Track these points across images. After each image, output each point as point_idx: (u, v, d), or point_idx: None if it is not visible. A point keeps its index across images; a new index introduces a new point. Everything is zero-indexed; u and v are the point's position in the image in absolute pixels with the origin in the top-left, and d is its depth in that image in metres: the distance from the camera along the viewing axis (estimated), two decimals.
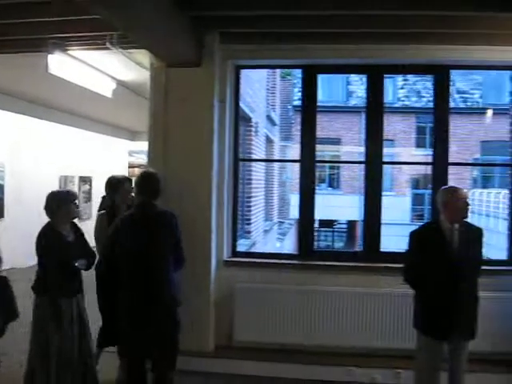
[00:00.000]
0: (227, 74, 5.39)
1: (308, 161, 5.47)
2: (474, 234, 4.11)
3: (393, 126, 22.03)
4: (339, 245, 22.31)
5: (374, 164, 5.40)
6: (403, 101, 22.71)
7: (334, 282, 5.28)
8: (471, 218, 13.49)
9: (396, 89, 23.29)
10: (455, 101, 23.08)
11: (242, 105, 7.78)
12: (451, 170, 17.64)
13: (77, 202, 4.36)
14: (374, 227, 5.45)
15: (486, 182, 21.19)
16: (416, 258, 4.04)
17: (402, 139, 21.40)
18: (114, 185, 4.79)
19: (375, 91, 5.44)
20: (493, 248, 10.02)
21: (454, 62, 5.34)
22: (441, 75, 5.37)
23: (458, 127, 22.08)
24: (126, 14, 3.82)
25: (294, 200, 14.34)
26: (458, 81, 23.15)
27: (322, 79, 19.62)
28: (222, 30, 5.18)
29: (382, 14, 4.62)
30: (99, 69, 7.07)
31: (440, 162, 5.34)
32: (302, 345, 5.24)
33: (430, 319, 3.99)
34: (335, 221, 22.52)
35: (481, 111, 21.41)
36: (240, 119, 5.74)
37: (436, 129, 5.41)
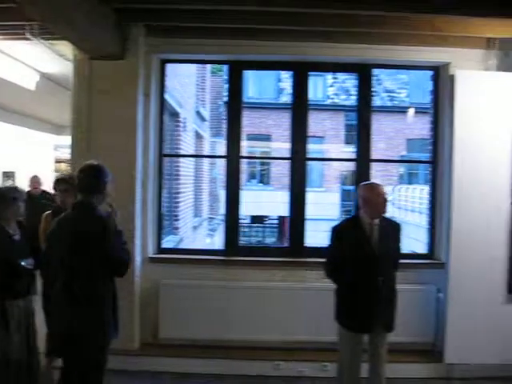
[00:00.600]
0: (152, 67, 5.30)
1: (234, 157, 5.47)
2: (392, 229, 4.22)
3: (322, 123, 22.41)
4: (271, 240, 22.49)
5: (298, 160, 5.46)
6: (333, 98, 23.07)
7: (259, 277, 5.31)
8: (398, 213, 13.92)
9: (326, 87, 23.63)
10: (383, 99, 23.69)
11: (169, 99, 7.70)
12: (378, 166, 18.06)
13: (22, 199, 4.13)
14: (299, 223, 5.52)
15: (411, 178, 21.83)
16: (337, 252, 4.12)
17: (331, 136, 21.77)
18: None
19: (300, 88, 5.50)
20: (418, 242, 10.37)
21: (377, 61, 5.46)
22: (364, 74, 5.48)
23: (385, 125, 22.70)
24: (44, 3, 3.69)
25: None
26: (386, 80, 23.75)
27: (253, 76, 19.56)
28: (147, 23, 5.10)
29: (306, 12, 4.66)
30: (21, 60, 6.80)
31: (363, 159, 5.46)
32: (229, 340, 5.25)
33: (350, 312, 4.09)
34: (266, 216, 22.68)
35: (407, 110, 22.03)
36: (167, 114, 5.68)
37: (359, 126, 5.52)
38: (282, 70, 6.00)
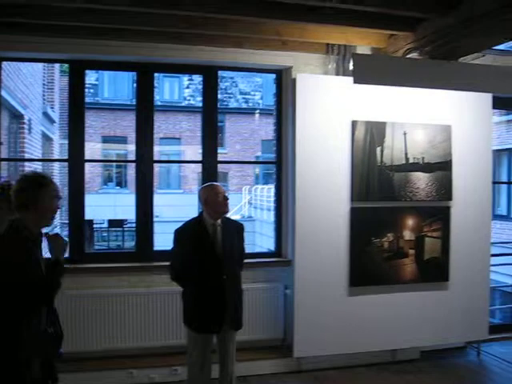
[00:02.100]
0: None
1: (77, 160, 5.23)
2: (235, 229, 4.28)
3: (179, 124, 22.36)
4: (131, 244, 22.04)
5: (144, 162, 5.35)
6: (189, 100, 23.10)
7: (107, 284, 5.13)
8: (254, 213, 14.16)
9: (182, 88, 23.62)
10: (238, 102, 24.15)
11: (10, 100, 7.24)
12: (236, 167, 18.34)
13: None
14: (147, 226, 5.41)
15: (267, 178, 22.44)
16: (181, 255, 4.10)
17: (188, 138, 21.76)
18: None
19: (145, 89, 5.39)
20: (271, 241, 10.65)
21: (223, 64, 5.48)
22: (210, 75, 5.50)
23: (241, 127, 23.16)
24: None
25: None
26: (241, 82, 24.23)
27: (109, 76, 18.93)
28: None
29: (152, 13, 4.56)
30: None
31: (209, 161, 5.47)
32: (81, 352, 5.00)
33: (197, 314, 4.07)
34: (125, 220, 22.20)
35: (262, 112, 22.61)
36: (7, 116, 5.29)
37: (205, 128, 5.53)
38: (127, 70, 5.80)
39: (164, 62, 5.40)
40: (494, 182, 11.25)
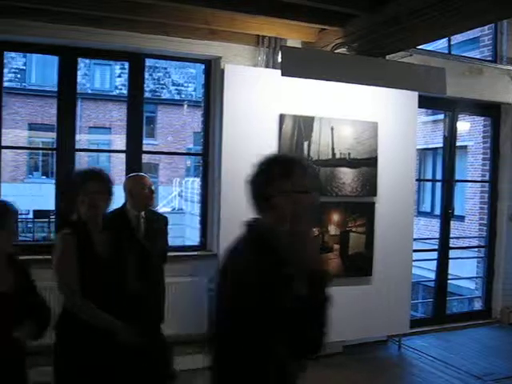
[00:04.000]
0: None
1: None
2: (159, 222, 4.17)
3: (110, 114, 21.83)
4: None
5: (66, 151, 5.12)
6: (120, 89, 22.56)
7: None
8: (185, 205, 13.97)
9: (114, 77, 23.08)
10: (171, 93, 23.83)
11: None
12: (166, 159, 18.06)
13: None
14: (69, 216, 5.19)
15: (199, 171, 22.32)
16: None
17: (118, 127, 21.26)
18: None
19: (68, 75, 5.14)
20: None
21: (149, 51, 5.32)
22: (136, 63, 5.33)
23: (173, 118, 22.88)
24: None
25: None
26: (174, 73, 23.91)
27: (34, 62, 18.15)
28: None
29: None
30: None
31: (133, 150, 5.31)
32: None
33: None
34: (52, 211, 21.53)
35: (194, 104, 22.38)
36: None
37: (130, 117, 5.36)
38: (48, 54, 5.53)
39: (88, 47, 5.16)
40: (418, 180, 11.59)
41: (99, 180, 3.03)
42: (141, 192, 3.97)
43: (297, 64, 4.55)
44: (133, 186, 3.97)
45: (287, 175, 1.97)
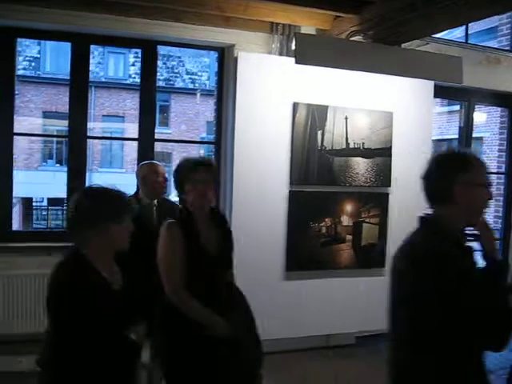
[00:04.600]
0: None
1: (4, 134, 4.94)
2: (172, 211, 4.12)
3: (123, 102, 21.84)
4: None
5: (78, 139, 5.11)
6: (134, 78, 22.55)
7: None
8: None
9: (127, 65, 23.07)
10: (184, 81, 23.78)
11: None
12: (180, 148, 18.05)
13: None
14: None
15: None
16: None
17: (131, 116, 21.28)
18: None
19: (80, 61, 5.12)
20: None
21: (162, 38, 5.27)
22: (148, 50, 5.29)
23: (186, 107, 22.83)
24: None
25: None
26: (188, 62, 23.85)
27: (48, 50, 18.19)
28: None
29: None
30: None
31: (145, 138, 5.28)
32: None
33: None
34: (65, 199, 21.63)
35: (207, 93, 22.32)
36: None
37: (142, 105, 5.33)
38: (60, 40, 5.50)
39: (100, 34, 5.13)
40: None
41: (208, 169, 2.91)
42: (154, 180, 3.94)
43: (311, 52, 4.48)
44: (146, 173, 3.95)
45: (468, 169, 2.01)
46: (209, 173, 2.90)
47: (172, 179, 2.95)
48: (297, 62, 4.39)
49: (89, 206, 2.21)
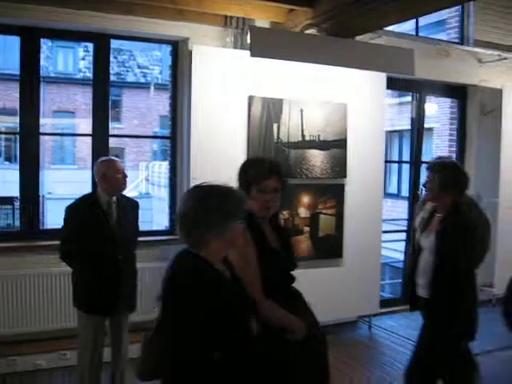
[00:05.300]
0: None
1: None
2: (130, 207, 4.10)
3: (74, 97, 21.42)
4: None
5: (30, 135, 4.98)
6: (84, 72, 22.12)
7: None
8: (152, 189, 13.87)
9: (77, 60, 22.61)
10: (136, 75, 23.47)
11: None
12: (133, 143, 17.80)
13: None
14: (33, 203, 5.06)
15: (166, 155, 22.10)
16: (73, 233, 3.83)
17: (83, 111, 20.88)
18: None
19: (30, 56, 4.97)
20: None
21: (115, 32, 5.18)
22: (101, 44, 5.19)
23: (138, 101, 22.53)
24: None
25: None
26: (139, 56, 23.53)
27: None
28: None
29: None
30: None
31: (99, 134, 5.19)
32: None
33: (89, 296, 3.85)
34: (16, 197, 21.09)
35: (160, 87, 22.09)
36: None
37: (95, 100, 5.23)
38: (9, 34, 5.32)
39: (51, 28, 5.00)
40: (387, 161, 11.67)
41: (279, 177, 2.73)
42: (115, 177, 3.88)
43: (266, 45, 4.50)
44: (106, 170, 3.87)
45: None
46: (280, 181, 2.73)
47: (237, 177, 2.73)
48: (252, 55, 4.40)
49: (212, 206, 2.07)
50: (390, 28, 5.97)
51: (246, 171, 2.75)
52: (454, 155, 7.51)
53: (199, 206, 2.06)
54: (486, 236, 3.86)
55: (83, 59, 22.40)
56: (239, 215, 2.12)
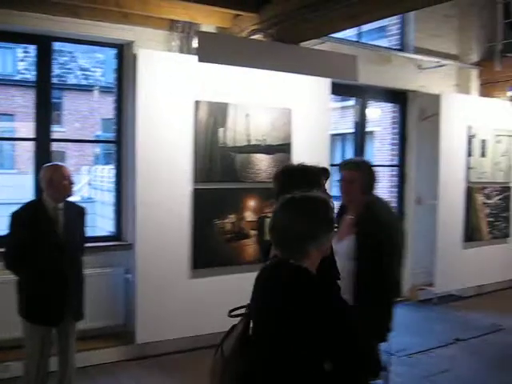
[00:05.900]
0: None
1: None
2: (77, 213, 4.03)
3: (13, 99, 20.84)
4: None
5: None
6: (24, 74, 21.55)
7: None
8: (95, 194, 13.59)
9: (16, 61, 22.01)
10: (77, 78, 23.04)
11: None
12: (75, 146, 17.55)
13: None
14: None
15: (108, 159, 21.75)
16: (18, 240, 3.72)
17: (22, 114, 20.34)
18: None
19: None
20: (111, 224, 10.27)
21: (58, 34, 5.07)
22: (43, 46, 5.08)
23: (80, 104, 22.14)
24: None
25: None
26: (81, 58, 23.11)
27: None
28: None
29: None
30: None
31: (42, 138, 5.08)
32: None
33: (36, 305, 3.75)
34: None
35: (103, 89, 21.76)
36: None
37: (38, 103, 5.10)
38: None
39: None
40: (331, 165, 11.84)
41: (327, 178, 2.80)
42: (61, 183, 3.80)
43: (213, 50, 4.52)
44: (53, 175, 3.79)
45: None
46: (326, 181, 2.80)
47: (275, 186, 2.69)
48: (200, 61, 4.41)
49: (318, 218, 1.99)
50: (333, 34, 6.08)
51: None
52: (395, 158, 7.71)
53: (308, 219, 1.99)
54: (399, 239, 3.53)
55: (22, 60, 21.85)
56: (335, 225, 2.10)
